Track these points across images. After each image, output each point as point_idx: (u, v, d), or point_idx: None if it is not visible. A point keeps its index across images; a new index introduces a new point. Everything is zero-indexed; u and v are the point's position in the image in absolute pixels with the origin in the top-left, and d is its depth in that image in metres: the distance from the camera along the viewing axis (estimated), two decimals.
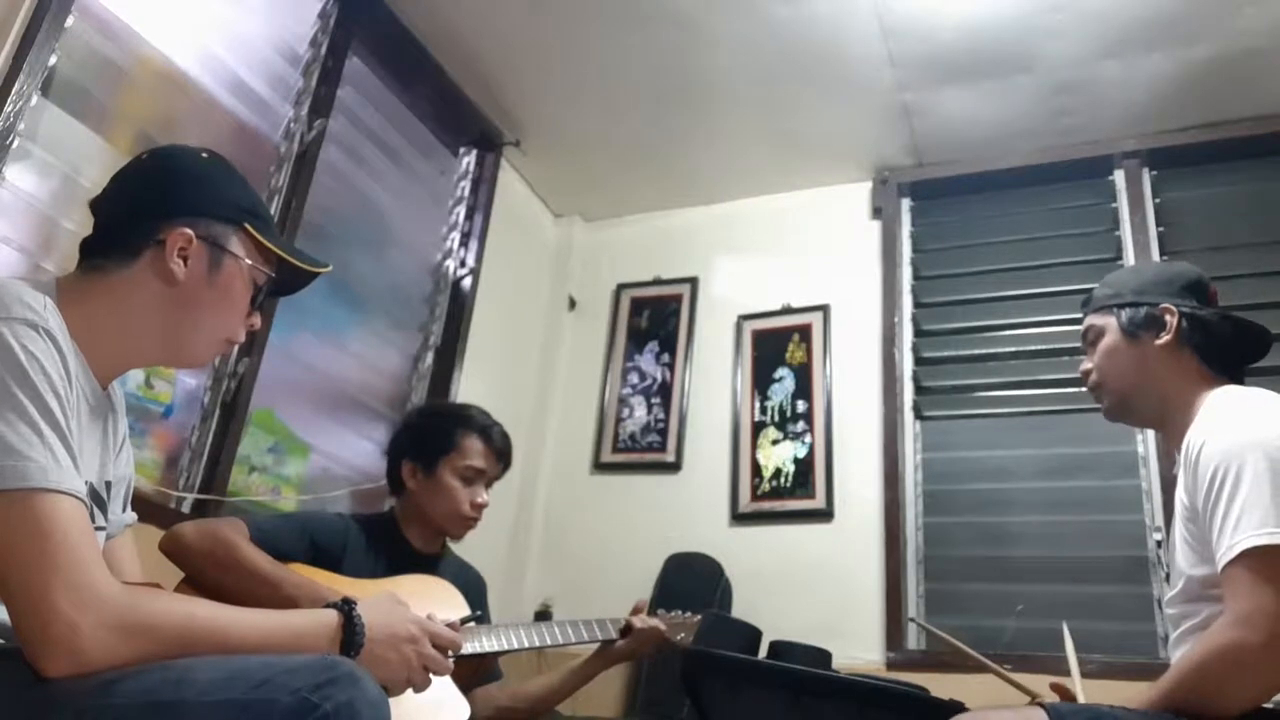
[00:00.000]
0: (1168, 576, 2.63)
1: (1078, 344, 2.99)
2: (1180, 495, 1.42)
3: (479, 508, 1.90)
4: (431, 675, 1.16)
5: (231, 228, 1.18)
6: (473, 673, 1.78)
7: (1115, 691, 1.42)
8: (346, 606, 1.08)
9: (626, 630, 1.94)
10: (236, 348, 2.36)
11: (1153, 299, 1.54)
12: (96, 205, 1.18)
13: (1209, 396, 1.46)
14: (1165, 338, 1.52)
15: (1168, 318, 1.52)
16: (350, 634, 1.06)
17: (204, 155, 1.22)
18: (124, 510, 1.26)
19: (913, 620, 1.96)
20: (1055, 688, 1.60)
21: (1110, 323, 1.58)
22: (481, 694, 1.85)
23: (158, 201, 1.15)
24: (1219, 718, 1.24)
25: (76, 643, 0.88)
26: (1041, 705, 1.30)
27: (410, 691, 1.14)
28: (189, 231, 1.13)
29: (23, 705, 0.89)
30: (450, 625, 1.24)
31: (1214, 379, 1.49)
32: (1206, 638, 1.28)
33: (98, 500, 1.11)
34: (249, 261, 1.19)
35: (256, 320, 1.24)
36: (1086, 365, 1.63)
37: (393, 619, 1.13)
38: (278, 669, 0.87)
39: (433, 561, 1.91)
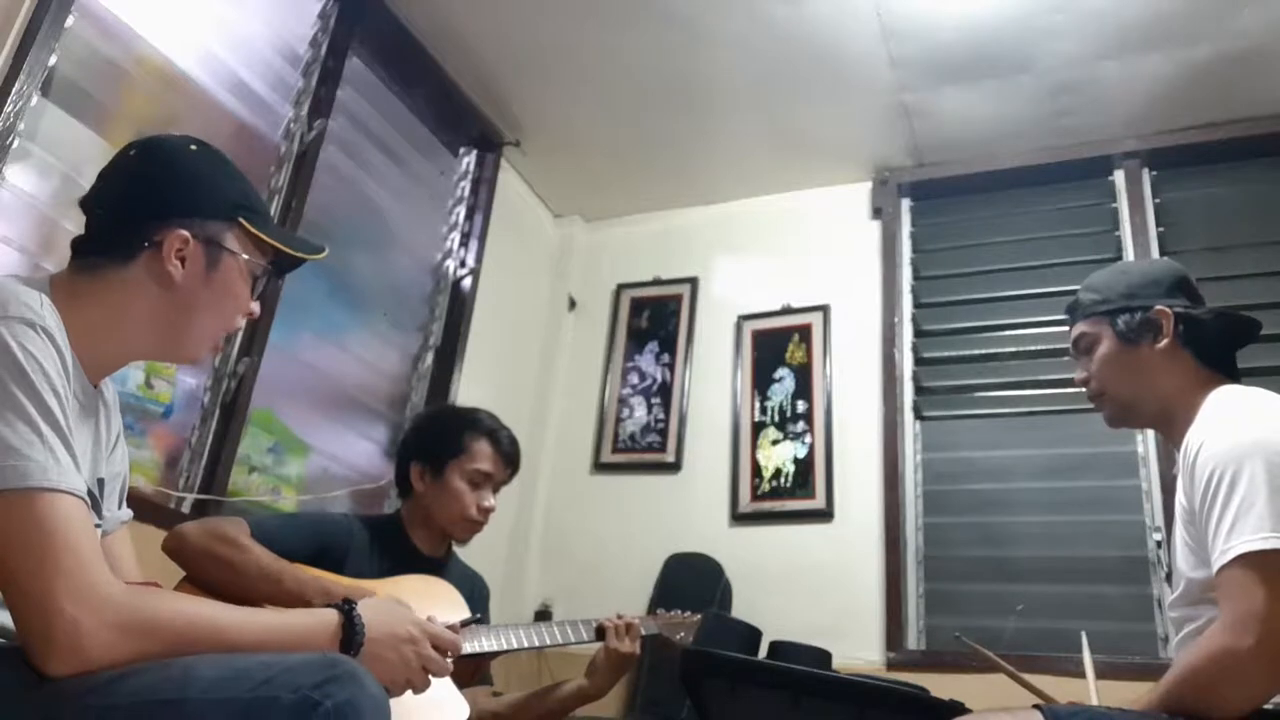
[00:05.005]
0: (1168, 577, 2.64)
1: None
2: (1179, 497, 1.41)
3: (485, 512, 1.90)
4: (431, 676, 1.16)
5: (226, 224, 1.16)
6: (471, 674, 1.77)
7: (1120, 692, 1.42)
8: (346, 606, 1.08)
9: (600, 632, 1.88)
10: (236, 348, 2.37)
11: (1145, 301, 1.52)
12: (87, 203, 1.16)
13: (1210, 397, 1.44)
14: (1163, 341, 1.49)
15: (1163, 321, 1.50)
16: (350, 634, 1.06)
17: (193, 148, 1.19)
18: (119, 507, 1.26)
19: (957, 636, 1.95)
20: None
21: (1103, 329, 1.55)
22: (467, 695, 1.85)
23: (151, 202, 1.13)
24: None
25: (79, 642, 0.88)
26: (1038, 708, 1.30)
27: (409, 692, 1.14)
28: (185, 233, 1.12)
29: (26, 704, 0.89)
30: (450, 627, 1.24)
31: (1213, 377, 1.48)
32: (1200, 642, 1.27)
33: (91, 498, 1.11)
34: (245, 256, 1.17)
35: (256, 309, 1.22)
36: (1082, 374, 1.59)
37: (392, 620, 1.12)
38: (279, 667, 0.88)
39: (437, 565, 1.90)
